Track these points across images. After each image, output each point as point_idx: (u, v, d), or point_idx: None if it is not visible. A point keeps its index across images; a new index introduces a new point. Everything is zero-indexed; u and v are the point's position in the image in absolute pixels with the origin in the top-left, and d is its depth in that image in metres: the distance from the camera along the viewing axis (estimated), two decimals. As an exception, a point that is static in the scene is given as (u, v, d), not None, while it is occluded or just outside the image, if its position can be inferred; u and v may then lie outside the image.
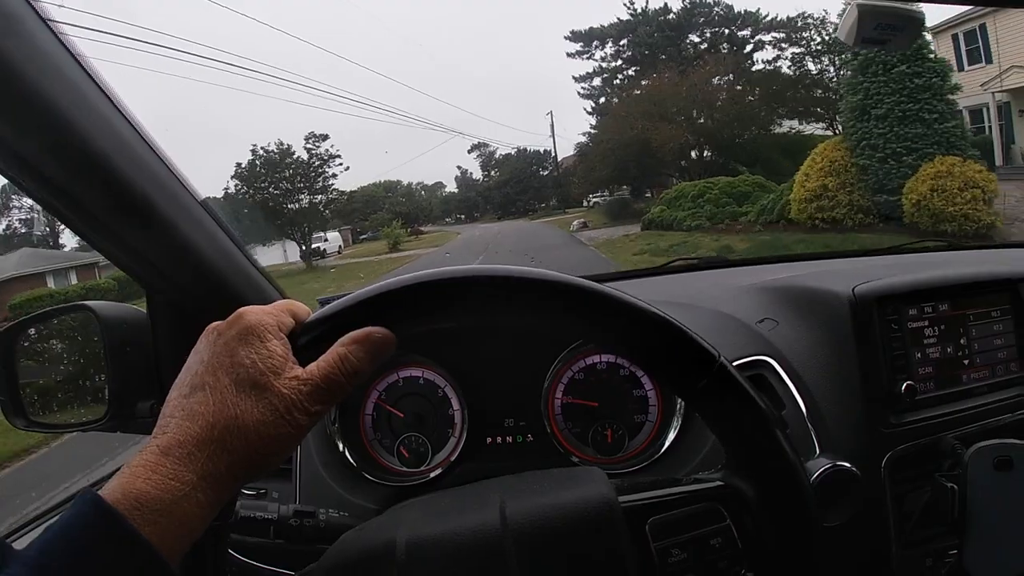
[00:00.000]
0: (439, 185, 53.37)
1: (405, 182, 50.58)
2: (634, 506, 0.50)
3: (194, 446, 0.38)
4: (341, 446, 0.91)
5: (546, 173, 44.76)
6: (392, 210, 40.64)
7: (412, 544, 0.45)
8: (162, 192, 0.67)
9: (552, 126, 44.90)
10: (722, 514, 0.51)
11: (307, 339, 0.44)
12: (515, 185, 44.15)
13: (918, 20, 0.79)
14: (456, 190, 50.85)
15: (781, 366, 0.86)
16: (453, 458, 0.92)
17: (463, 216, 48.79)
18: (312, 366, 0.42)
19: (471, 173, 51.19)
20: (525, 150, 45.39)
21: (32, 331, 0.87)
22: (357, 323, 0.44)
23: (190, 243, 0.72)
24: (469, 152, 53.73)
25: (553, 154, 41.74)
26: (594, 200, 31.62)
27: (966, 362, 0.86)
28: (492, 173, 48.52)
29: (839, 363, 0.84)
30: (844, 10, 0.80)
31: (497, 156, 48.97)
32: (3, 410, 0.83)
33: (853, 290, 0.84)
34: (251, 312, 0.43)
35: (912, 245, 1.35)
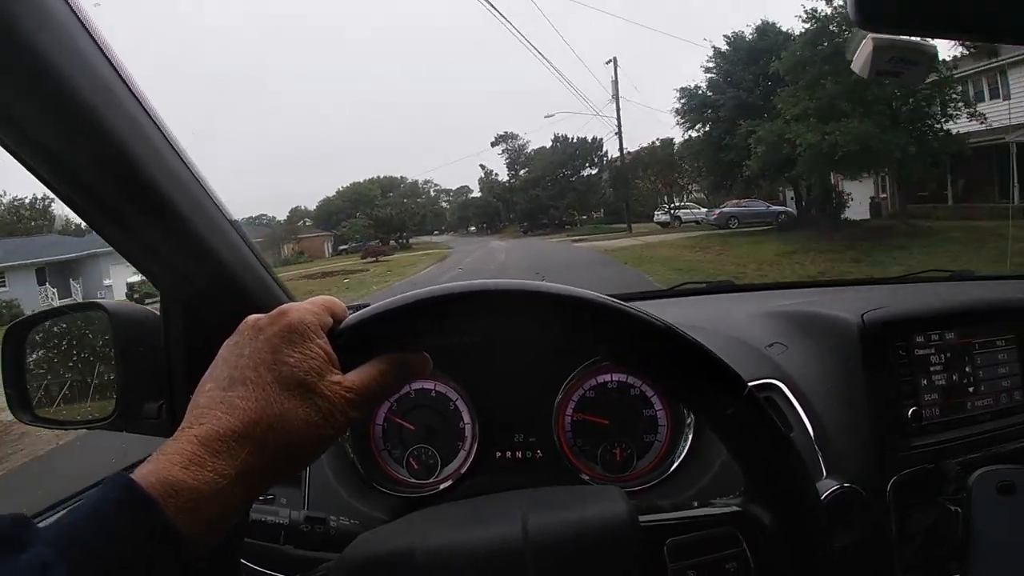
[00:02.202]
0: (465, 189, 45.98)
1: (411, 178, 43.03)
2: (653, 526, 0.50)
3: (234, 440, 0.37)
4: (351, 455, 0.91)
5: (594, 172, 34.04)
6: (374, 215, 33.74)
7: (432, 552, 0.45)
8: (182, 192, 0.67)
9: (615, 82, 26.20)
10: (738, 539, 0.51)
11: (346, 340, 0.44)
12: (549, 187, 33.57)
13: (931, 55, 0.82)
14: (480, 194, 42.53)
15: (790, 389, 0.88)
16: (463, 471, 0.92)
17: (485, 225, 40.84)
18: (353, 375, 0.43)
19: (495, 173, 41.57)
20: (565, 138, 34.41)
21: (44, 326, 0.87)
22: (398, 328, 0.45)
23: (208, 244, 0.72)
24: (493, 145, 42.42)
25: (615, 131, 26.89)
26: (679, 211, 24.29)
27: (971, 389, 0.88)
28: (521, 172, 38.45)
29: (847, 388, 0.86)
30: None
31: (528, 151, 39.14)
32: (9, 404, 0.82)
33: (862, 317, 0.85)
34: (294, 310, 0.43)
35: (918, 275, 1.37)
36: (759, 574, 0.51)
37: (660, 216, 25.86)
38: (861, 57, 0.84)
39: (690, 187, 27.82)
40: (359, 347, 0.44)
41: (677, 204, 26.12)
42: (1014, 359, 0.90)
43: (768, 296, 1.30)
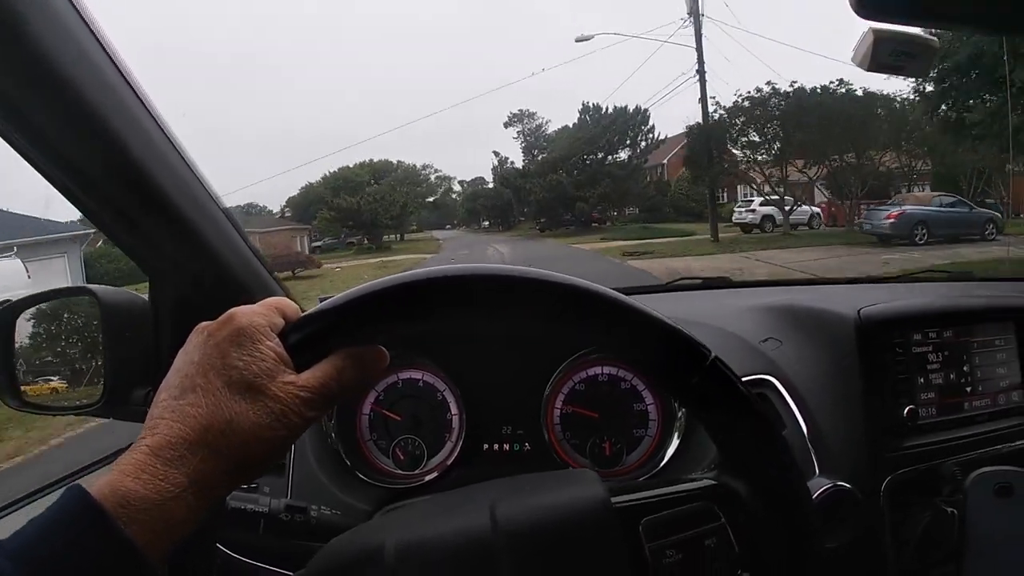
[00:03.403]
0: (480, 180, 39.35)
1: (408, 162, 36.62)
2: (627, 506, 0.49)
3: (186, 448, 0.38)
4: (336, 444, 0.90)
5: (637, 152, 25.11)
6: (335, 205, 26.83)
7: (401, 547, 0.44)
8: (176, 180, 0.68)
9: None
10: (717, 514, 0.50)
11: (298, 338, 0.44)
12: (575, 172, 25.00)
13: (932, 48, 0.80)
14: (492, 185, 34.64)
15: (783, 386, 0.87)
16: (449, 463, 0.91)
17: (499, 221, 33.69)
18: (307, 374, 0.42)
19: (511, 161, 34.37)
20: (597, 108, 26.17)
21: (32, 311, 0.86)
22: (350, 321, 0.44)
23: (201, 232, 0.73)
24: (506, 126, 35.72)
25: (695, 70, 16.00)
26: (762, 211, 16.61)
27: (968, 389, 0.87)
28: (537, 156, 31.39)
29: (842, 385, 0.84)
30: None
31: (548, 133, 32.15)
32: None
33: (859, 312, 0.84)
34: (242, 313, 0.43)
35: (916, 274, 1.36)
36: (741, 550, 0.49)
37: (742, 213, 17.39)
38: (861, 50, 0.83)
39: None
40: (311, 345, 0.43)
41: (795, 199, 16.33)
42: (1012, 359, 0.89)
43: (763, 292, 1.29)
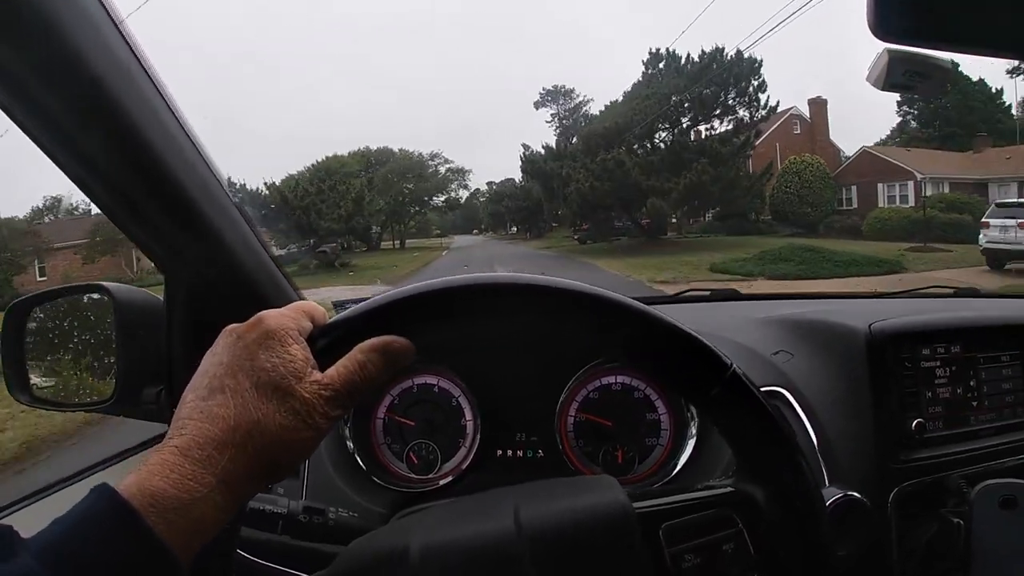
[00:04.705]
0: (510, 182, 31.47)
1: (413, 150, 29.79)
2: (647, 512, 0.50)
3: (214, 448, 0.38)
4: (352, 448, 0.90)
5: (738, 126, 16.17)
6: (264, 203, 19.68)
7: (425, 549, 0.44)
8: (190, 174, 0.68)
9: None
10: (734, 520, 0.51)
11: (326, 342, 0.44)
12: (639, 149, 16.01)
13: (947, 70, 0.82)
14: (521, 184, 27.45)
15: (794, 398, 0.88)
16: (463, 468, 0.92)
17: (526, 226, 26.94)
18: (332, 371, 0.42)
19: (535, 153, 22.85)
20: (673, 56, 17.14)
21: (44, 307, 0.86)
22: (375, 327, 0.45)
23: (218, 232, 0.72)
24: (538, 107, 27.95)
25: None
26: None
27: (975, 404, 0.89)
28: (575, 142, 21.42)
29: (852, 398, 0.86)
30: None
31: (590, 113, 23.49)
32: (7, 384, 0.81)
33: (870, 327, 0.86)
34: (271, 316, 0.44)
35: (922, 290, 1.38)
36: (758, 555, 0.50)
37: (1006, 231, 9.85)
38: (876, 70, 0.85)
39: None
40: (339, 349, 0.44)
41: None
42: (1018, 375, 0.91)
43: (773, 305, 1.31)
